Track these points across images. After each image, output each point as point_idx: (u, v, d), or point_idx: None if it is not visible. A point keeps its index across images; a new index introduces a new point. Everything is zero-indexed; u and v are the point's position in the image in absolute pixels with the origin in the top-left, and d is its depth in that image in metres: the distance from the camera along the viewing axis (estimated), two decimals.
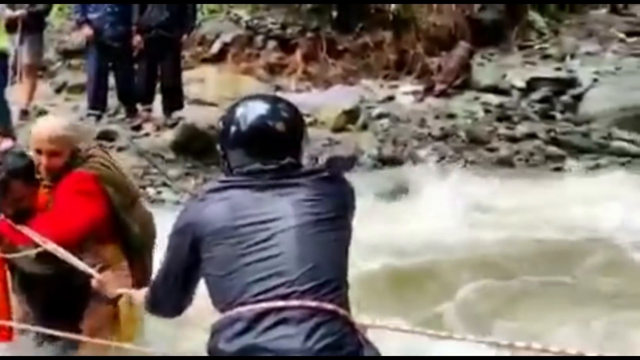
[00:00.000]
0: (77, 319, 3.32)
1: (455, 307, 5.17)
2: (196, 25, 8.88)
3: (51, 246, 3.13)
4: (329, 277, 2.17)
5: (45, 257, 3.17)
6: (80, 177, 3.34)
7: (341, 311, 2.15)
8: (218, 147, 2.38)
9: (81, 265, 3.08)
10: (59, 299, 3.30)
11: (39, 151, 3.39)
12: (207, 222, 2.23)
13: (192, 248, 2.27)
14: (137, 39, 8.10)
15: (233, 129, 2.30)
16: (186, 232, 2.28)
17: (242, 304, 2.14)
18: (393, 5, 10.70)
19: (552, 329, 4.84)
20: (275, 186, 2.24)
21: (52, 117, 3.99)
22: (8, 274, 3.41)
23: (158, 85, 8.50)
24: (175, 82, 8.39)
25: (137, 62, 8.29)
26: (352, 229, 2.33)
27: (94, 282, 3.01)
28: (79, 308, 3.31)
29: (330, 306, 2.12)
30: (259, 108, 2.31)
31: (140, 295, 2.74)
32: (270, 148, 2.27)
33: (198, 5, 9.33)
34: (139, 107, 8.43)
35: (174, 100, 8.41)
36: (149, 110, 8.44)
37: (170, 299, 2.43)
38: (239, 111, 2.31)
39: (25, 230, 3.21)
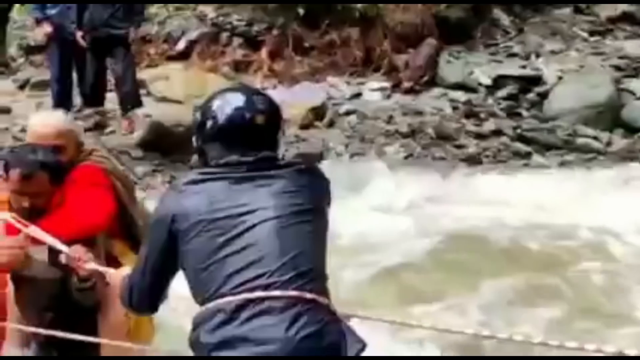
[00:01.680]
0: (91, 332, 3.07)
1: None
2: (144, 21, 8.56)
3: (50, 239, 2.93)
4: (309, 267, 2.17)
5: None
6: (91, 170, 3.19)
7: (322, 300, 2.15)
8: (194, 139, 2.34)
9: (51, 241, 2.91)
10: (72, 309, 3.05)
11: None
12: (185, 214, 2.21)
13: (170, 240, 2.24)
14: (78, 35, 7.85)
15: (210, 122, 2.28)
16: (164, 224, 2.25)
17: (222, 295, 2.13)
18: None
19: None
20: (252, 178, 2.23)
21: (49, 111, 3.80)
22: (10, 290, 3.13)
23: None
24: (128, 79, 8.12)
25: (88, 60, 8.05)
26: (329, 220, 2.32)
27: (62, 257, 2.90)
28: (92, 320, 3.10)
29: (310, 295, 2.13)
30: (237, 100, 2.28)
31: (117, 275, 2.68)
32: (248, 140, 2.25)
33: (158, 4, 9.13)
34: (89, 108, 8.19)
35: (130, 98, 8.17)
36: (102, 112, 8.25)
37: (147, 293, 2.39)
38: (216, 104, 2.29)
39: (35, 230, 2.97)
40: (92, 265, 2.88)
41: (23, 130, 7.83)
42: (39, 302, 3.06)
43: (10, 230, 3.04)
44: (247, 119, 2.25)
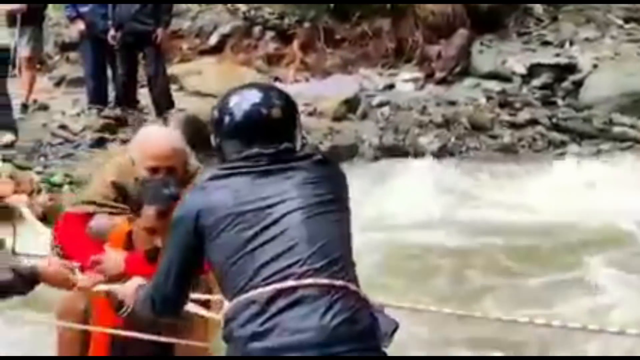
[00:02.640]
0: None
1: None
2: (171, 20, 8.45)
3: None
4: (338, 254, 2.19)
5: None
6: None
7: (352, 287, 2.17)
8: (212, 138, 2.36)
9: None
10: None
11: (154, 170, 2.99)
12: (210, 209, 2.22)
13: (195, 237, 2.24)
14: (111, 33, 7.92)
15: (227, 119, 2.29)
16: (189, 221, 2.25)
17: (254, 287, 2.14)
18: None
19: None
20: (274, 171, 2.25)
21: (157, 126, 3.45)
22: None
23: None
24: (159, 82, 8.13)
25: (119, 59, 8.08)
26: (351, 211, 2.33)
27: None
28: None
29: (341, 282, 2.14)
30: (253, 96, 2.30)
31: (129, 287, 2.66)
32: (266, 135, 2.27)
33: None
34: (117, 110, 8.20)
35: (162, 101, 8.19)
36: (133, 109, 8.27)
37: (172, 297, 2.37)
38: (233, 101, 2.30)
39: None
40: (96, 285, 2.88)
41: (61, 126, 7.97)
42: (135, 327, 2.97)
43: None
44: (264, 114, 2.27)
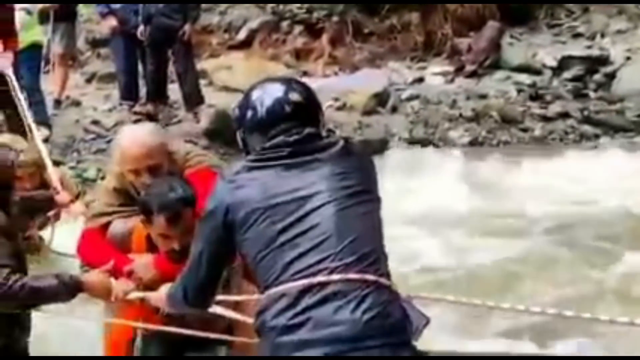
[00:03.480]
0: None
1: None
2: (199, 14, 8.49)
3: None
4: (369, 248, 2.18)
5: None
6: (212, 180, 2.57)
7: (383, 281, 2.16)
8: (237, 134, 2.37)
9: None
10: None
11: (136, 172, 2.95)
12: (239, 203, 2.23)
13: (226, 231, 2.26)
14: (140, 29, 7.95)
15: (250, 113, 2.30)
16: (218, 216, 2.27)
17: (284, 281, 2.15)
18: None
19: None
20: (299, 163, 2.24)
21: (133, 126, 3.38)
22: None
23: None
24: (189, 79, 8.14)
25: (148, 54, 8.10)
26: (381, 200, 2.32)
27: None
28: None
29: (372, 277, 2.14)
30: (275, 90, 2.32)
31: (158, 295, 2.71)
32: (289, 120, 2.27)
33: None
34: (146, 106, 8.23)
35: (192, 97, 8.21)
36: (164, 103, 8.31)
37: (203, 288, 2.40)
38: (254, 95, 2.32)
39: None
40: (130, 294, 2.91)
41: (93, 122, 8.04)
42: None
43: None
44: (286, 106, 2.29)
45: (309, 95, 2.34)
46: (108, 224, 3.06)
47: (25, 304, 2.86)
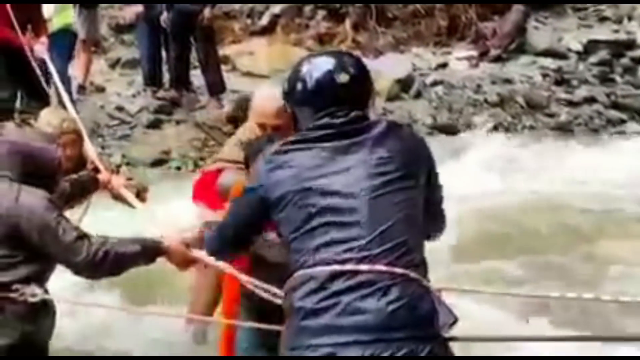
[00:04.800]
0: None
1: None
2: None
3: None
4: (400, 239, 2.15)
5: None
6: None
7: (413, 274, 2.13)
8: (287, 107, 2.38)
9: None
10: None
11: (262, 126, 3.21)
12: (274, 184, 2.25)
13: (261, 207, 2.30)
14: (163, 16, 7.93)
15: (299, 85, 2.31)
16: (255, 194, 2.31)
17: (313, 265, 2.16)
18: None
19: None
20: (340, 148, 2.23)
21: (268, 87, 3.48)
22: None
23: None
24: (210, 67, 8.12)
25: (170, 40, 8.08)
26: (428, 181, 2.28)
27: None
28: None
29: (401, 270, 2.11)
30: (325, 63, 2.31)
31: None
32: (337, 101, 2.27)
33: None
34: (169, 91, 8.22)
35: (214, 86, 8.20)
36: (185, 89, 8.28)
37: (229, 243, 2.53)
38: (305, 68, 2.32)
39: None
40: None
41: (117, 108, 8.06)
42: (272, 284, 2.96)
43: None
44: (335, 80, 2.27)
45: (359, 75, 2.31)
46: (222, 170, 3.31)
47: (110, 273, 2.89)
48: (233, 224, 2.46)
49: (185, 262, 2.97)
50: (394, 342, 2.06)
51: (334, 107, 2.26)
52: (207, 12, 7.95)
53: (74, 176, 3.60)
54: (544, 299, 3.49)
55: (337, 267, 2.12)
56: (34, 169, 2.96)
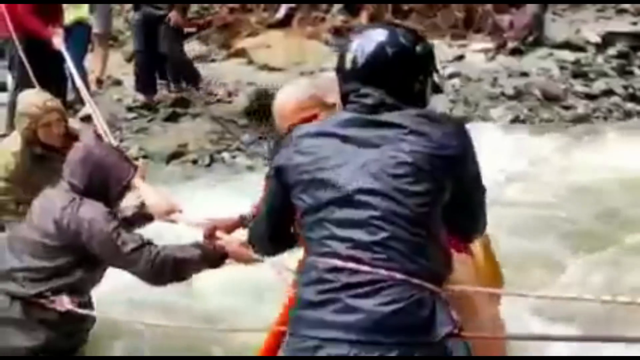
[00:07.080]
0: None
1: None
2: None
3: None
4: (406, 243, 2.09)
5: None
6: None
7: (415, 280, 2.07)
8: (339, 84, 2.30)
9: None
10: None
11: (289, 129, 3.00)
12: (290, 168, 2.25)
13: (282, 190, 2.30)
14: (173, 13, 7.72)
15: (349, 57, 2.24)
16: (276, 176, 2.31)
17: (318, 255, 2.16)
18: None
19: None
20: (362, 140, 2.16)
21: (287, 85, 3.27)
22: None
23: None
24: (175, 59, 7.91)
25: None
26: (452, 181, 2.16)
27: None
28: None
29: (401, 276, 2.06)
30: (378, 35, 2.22)
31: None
32: (381, 80, 2.18)
33: None
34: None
35: (181, 76, 8.08)
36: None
37: (264, 235, 2.50)
38: (357, 41, 2.24)
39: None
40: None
41: (135, 101, 8.09)
42: None
43: None
44: (386, 54, 2.18)
45: (403, 54, 2.19)
46: None
47: (172, 279, 2.92)
48: (265, 212, 2.45)
49: (252, 259, 2.94)
50: (383, 345, 2.03)
51: (377, 85, 2.17)
52: (173, 14, 7.70)
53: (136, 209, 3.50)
54: (544, 298, 3.44)
55: (339, 262, 2.10)
56: (99, 184, 3.00)
